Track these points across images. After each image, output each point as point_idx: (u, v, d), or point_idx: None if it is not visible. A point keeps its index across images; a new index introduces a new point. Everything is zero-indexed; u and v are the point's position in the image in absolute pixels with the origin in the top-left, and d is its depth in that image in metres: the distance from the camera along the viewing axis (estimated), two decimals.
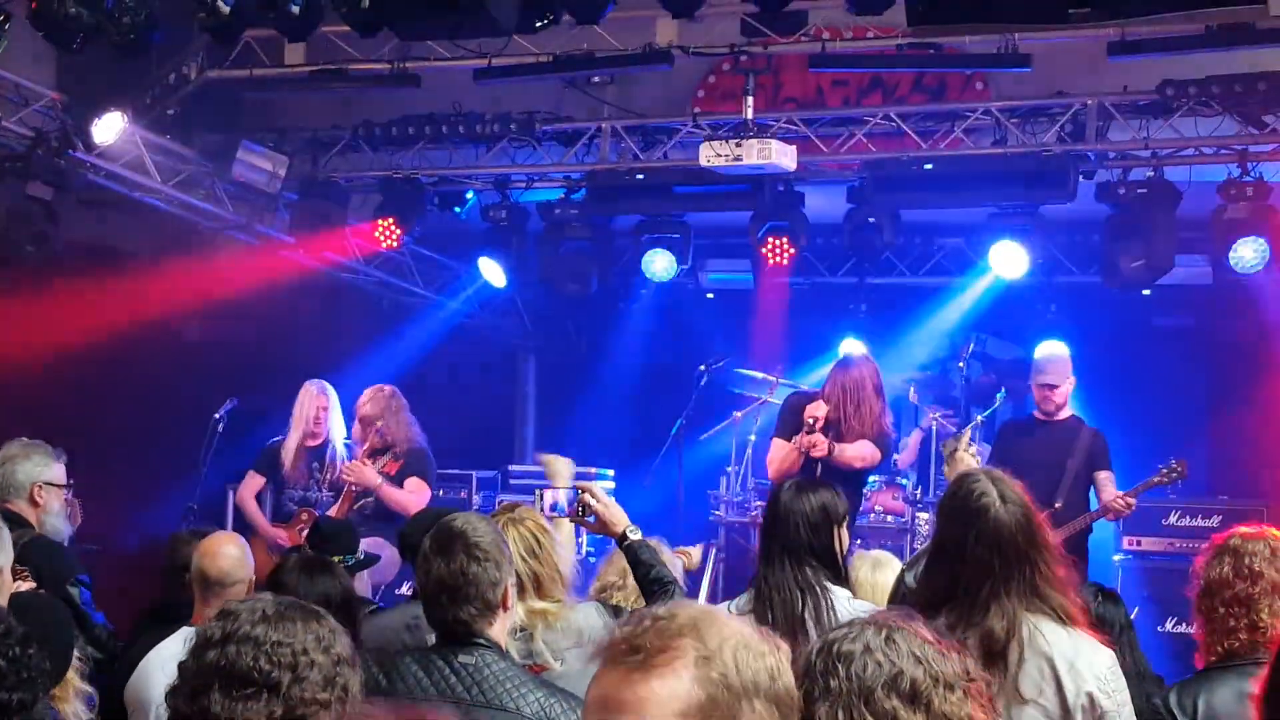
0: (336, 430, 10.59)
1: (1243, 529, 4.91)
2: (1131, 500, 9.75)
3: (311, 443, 10.55)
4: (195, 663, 3.25)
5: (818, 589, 5.38)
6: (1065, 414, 10.07)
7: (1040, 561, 4.39)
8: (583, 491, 5.82)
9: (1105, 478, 9.83)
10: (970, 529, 4.42)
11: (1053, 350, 10.21)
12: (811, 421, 9.49)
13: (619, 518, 5.78)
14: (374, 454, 10.33)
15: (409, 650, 4.70)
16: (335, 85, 10.92)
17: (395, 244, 12.12)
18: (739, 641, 2.42)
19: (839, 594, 5.44)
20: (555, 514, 5.77)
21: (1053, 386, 9.95)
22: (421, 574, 4.64)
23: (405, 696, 4.45)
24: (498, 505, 9.34)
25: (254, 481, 10.67)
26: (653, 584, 5.70)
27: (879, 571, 6.19)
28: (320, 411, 10.54)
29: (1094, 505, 9.83)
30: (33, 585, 5.61)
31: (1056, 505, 9.57)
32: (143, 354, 11.30)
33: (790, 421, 9.73)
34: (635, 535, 5.76)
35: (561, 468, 6.73)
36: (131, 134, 10.79)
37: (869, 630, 2.91)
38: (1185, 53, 9.49)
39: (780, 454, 9.64)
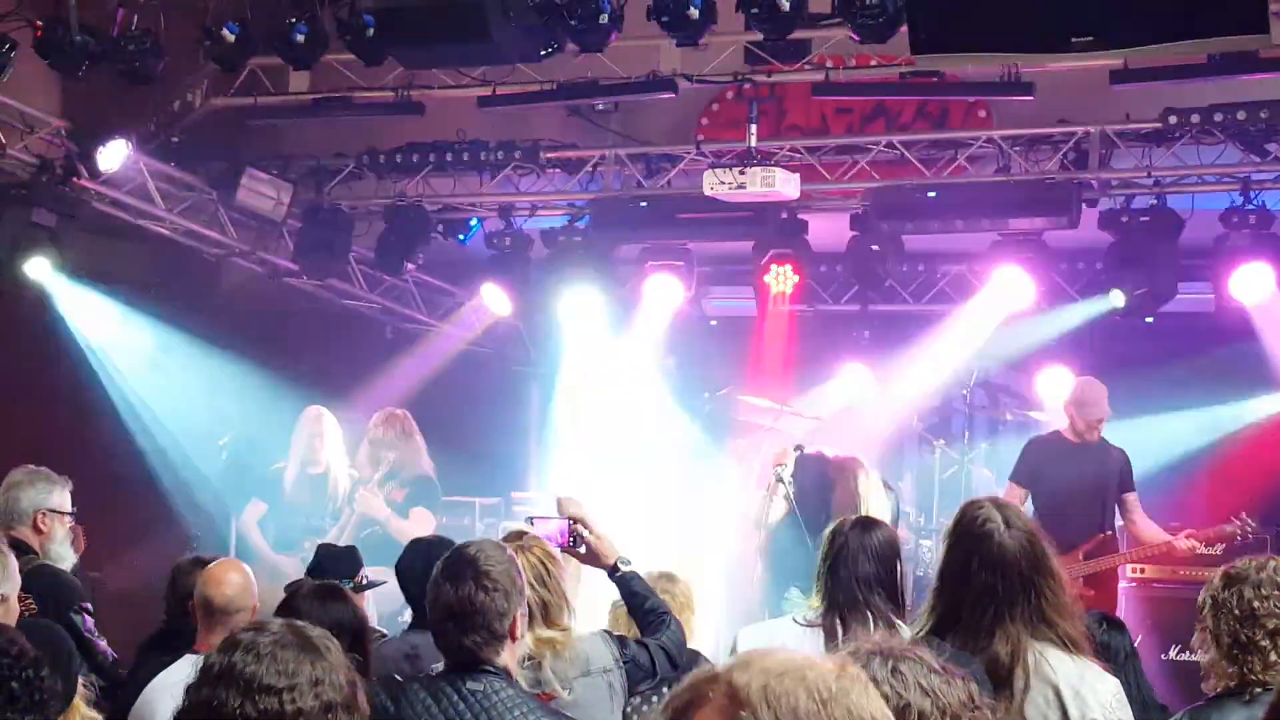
0: (336, 458, 10.53)
1: (1252, 558, 4.91)
2: (1197, 545, 9.75)
3: (313, 470, 10.52)
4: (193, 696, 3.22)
5: (886, 618, 5.34)
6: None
7: (1046, 588, 4.38)
8: (575, 521, 5.79)
9: (1133, 500, 9.80)
10: (974, 554, 4.42)
11: (1098, 387, 10.14)
12: (779, 469, 9.39)
13: (610, 549, 5.75)
14: (382, 481, 10.30)
15: (418, 677, 4.69)
16: (340, 113, 10.97)
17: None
18: (774, 671, 2.20)
19: (903, 630, 5.41)
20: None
21: (1102, 419, 9.93)
22: (430, 598, 4.63)
23: None
24: (501, 532, 9.33)
25: (256, 509, 10.63)
26: (648, 615, 5.67)
27: None
28: (316, 439, 10.48)
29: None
30: (33, 611, 5.61)
31: (1108, 532, 9.58)
32: (146, 381, 11.31)
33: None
34: (627, 567, 5.73)
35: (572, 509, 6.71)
36: (136, 161, 10.81)
37: (875, 661, 2.89)
38: (1188, 81, 9.52)
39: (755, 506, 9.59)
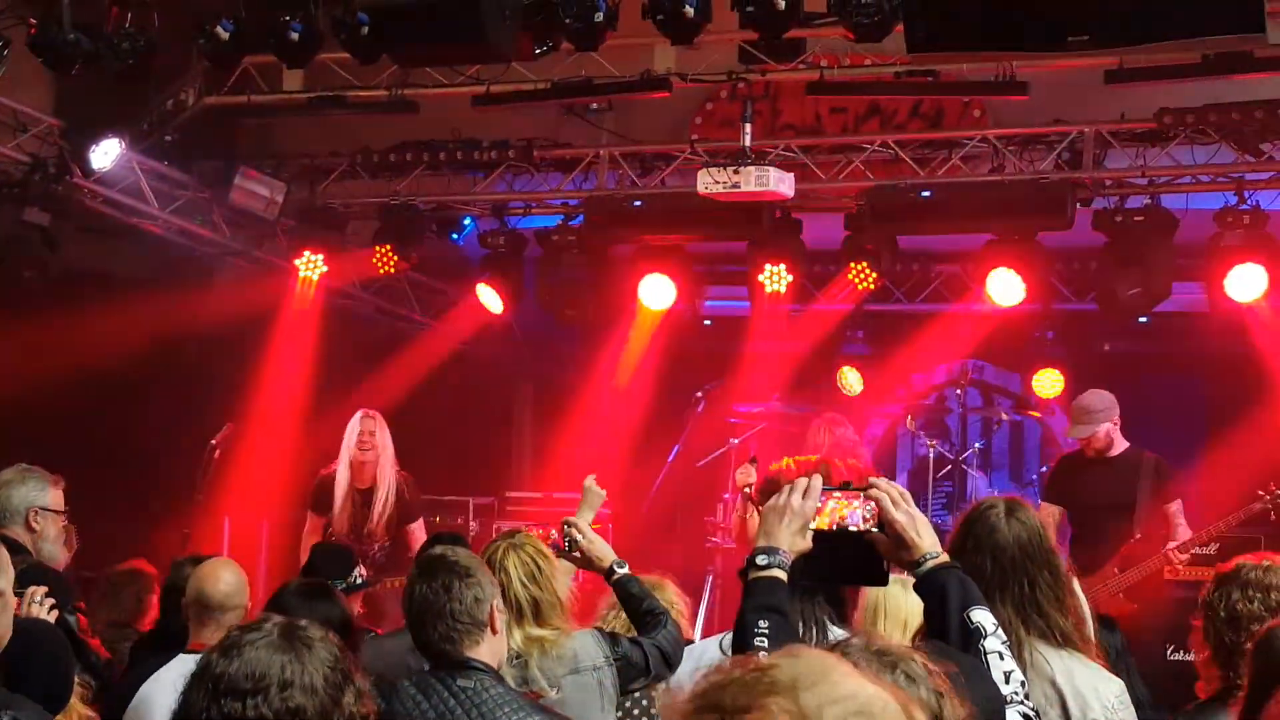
0: (386, 469, 10.34)
1: (1254, 560, 4.91)
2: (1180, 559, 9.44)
3: (360, 485, 10.31)
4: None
5: (822, 622, 5.35)
6: (1121, 448, 9.85)
7: (1040, 578, 4.39)
8: (568, 526, 5.81)
9: (1175, 509, 9.65)
10: (969, 536, 4.47)
11: (1082, 402, 10.01)
12: (746, 488, 9.15)
13: (604, 552, 5.79)
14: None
15: (407, 674, 4.71)
16: (333, 111, 10.93)
17: (392, 270, 12.12)
18: (852, 707, 1.94)
19: (836, 634, 5.41)
20: None
21: (1085, 440, 9.86)
22: (406, 601, 4.67)
23: None
24: (495, 532, 9.32)
25: (315, 524, 10.34)
26: (645, 616, 5.70)
27: (909, 592, 6.16)
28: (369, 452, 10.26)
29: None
30: (52, 603, 5.61)
31: (1136, 535, 9.49)
32: (139, 380, 11.28)
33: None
34: (622, 569, 5.76)
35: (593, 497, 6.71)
36: (129, 160, 10.79)
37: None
38: (1183, 81, 9.51)
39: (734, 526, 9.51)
